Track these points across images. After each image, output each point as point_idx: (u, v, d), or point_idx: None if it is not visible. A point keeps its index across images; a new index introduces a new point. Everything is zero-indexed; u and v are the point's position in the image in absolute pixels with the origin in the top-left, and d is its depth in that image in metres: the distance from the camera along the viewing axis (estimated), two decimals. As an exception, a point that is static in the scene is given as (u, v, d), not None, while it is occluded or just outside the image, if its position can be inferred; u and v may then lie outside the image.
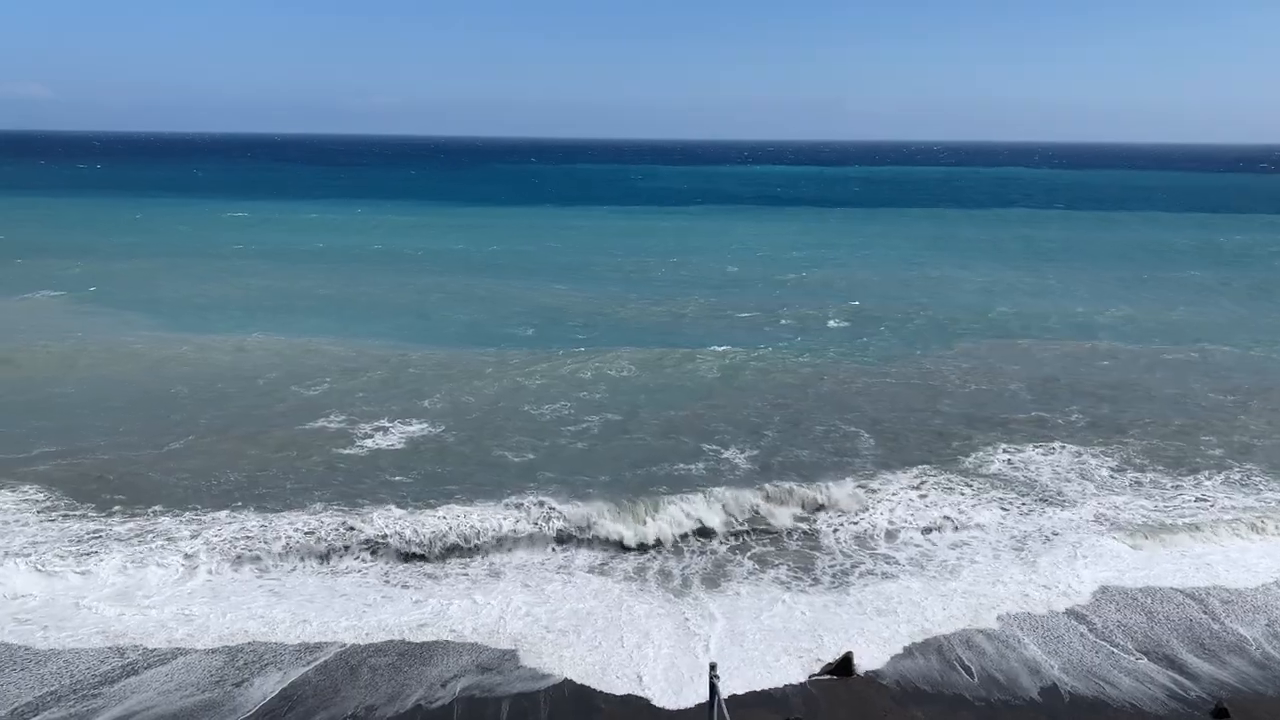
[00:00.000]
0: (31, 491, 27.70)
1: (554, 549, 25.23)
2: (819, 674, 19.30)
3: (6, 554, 23.24)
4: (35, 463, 30.18)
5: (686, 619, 21.72)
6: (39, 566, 22.82)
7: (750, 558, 25.60)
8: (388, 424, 35.46)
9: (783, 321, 54.63)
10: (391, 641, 20.37)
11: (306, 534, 24.81)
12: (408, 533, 24.90)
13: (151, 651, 19.59)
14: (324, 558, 23.66)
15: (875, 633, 21.40)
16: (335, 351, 44.68)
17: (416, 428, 35.14)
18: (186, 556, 23.28)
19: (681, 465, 31.96)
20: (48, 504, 26.94)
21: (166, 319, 52.03)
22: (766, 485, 28.89)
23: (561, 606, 22.21)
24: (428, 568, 23.96)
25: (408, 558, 24.18)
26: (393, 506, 26.96)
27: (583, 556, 24.91)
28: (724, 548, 26.14)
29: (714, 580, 24.06)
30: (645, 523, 25.93)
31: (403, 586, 23.17)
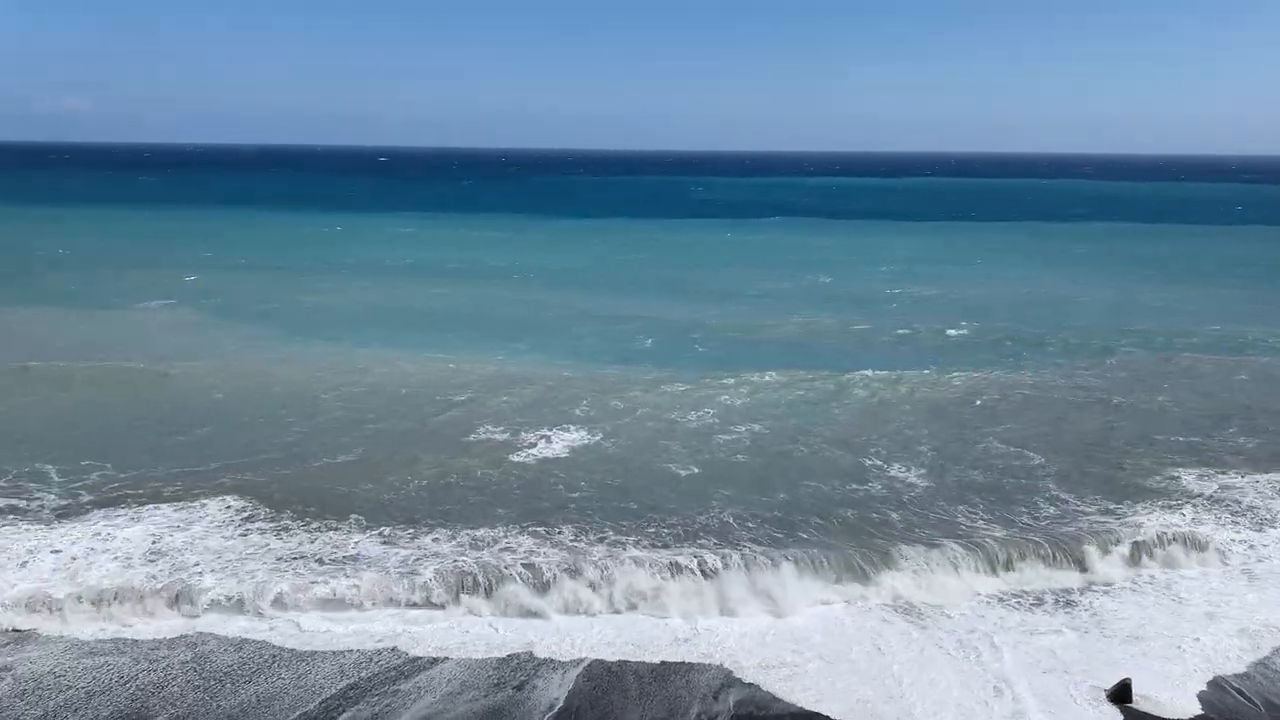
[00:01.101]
0: (231, 500, 28.09)
1: (772, 575, 24.80)
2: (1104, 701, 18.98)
3: (213, 570, 23.59)
4: (217, 476, 30.47)
5: (945, 647, 21.35)
6: (263, 578, 23.12)
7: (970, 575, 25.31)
8: (548, 432, 35.73)
9: (902, 333, 54.21)
10: (645, 662, 20.27)
11: (524, 565, 24.54)
12: (627, 555, 24.74)
13: (419, 658, 19.90)
14: (546, 581, 23.48)
15: (1134, 659, 20.97)
16: (473, 369, 44.63)
17: (575, 435, 35.42)
18: (435, 575, 23.39)
19: (854, 485, 31.62)
20: (246, 516, 27.17)
21: (288, 332, 52.68)
22: (1030, 538, 27.00)
23: (806, 622, 22.06)
24: (649, 588, 23.68)
25: (629, 579, 23.94)
26: (601, 529, 26.87)
27: (813, 587, 24.41)
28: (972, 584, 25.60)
29: (942, 606, 23.74)
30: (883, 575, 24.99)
31: (641, 600, 23.17)
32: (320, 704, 18.15)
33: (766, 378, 43.40)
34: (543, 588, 22.93)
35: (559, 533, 26.81)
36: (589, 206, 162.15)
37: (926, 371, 44.96)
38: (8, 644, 19.93)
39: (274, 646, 20.22)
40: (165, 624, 20.82)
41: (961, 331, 54.89)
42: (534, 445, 34.47)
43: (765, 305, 63.32)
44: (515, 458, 33.19)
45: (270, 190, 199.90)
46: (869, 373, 44.12)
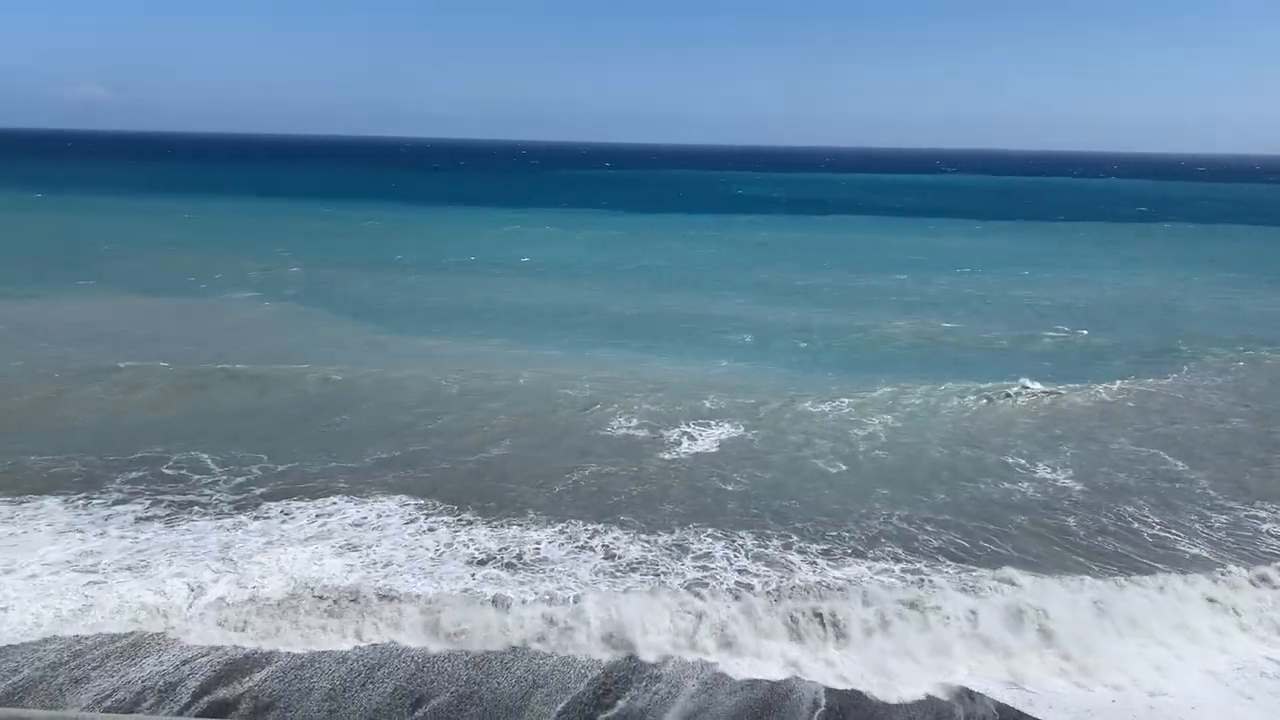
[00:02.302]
0: (405, 498, 28.32)
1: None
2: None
3: (418, 570, 23.76)
4: (376, 472, 30.70)
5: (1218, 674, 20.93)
6: (471, 580, 23.33)
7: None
8: (688, 429, 35.91)
9: (1010, 335, 53.86)
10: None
11: (736, 583, 24.55)
12: (842, 576, 24.53)
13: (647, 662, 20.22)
14: (771, 591, 23.07)
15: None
16: (588, 367, 44.56)
17: (718, 431, 35.65)
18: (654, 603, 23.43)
19: (1006, 484, 31.72)
20: (426, 513, 27.35)
21: (388, 326, 52.63)
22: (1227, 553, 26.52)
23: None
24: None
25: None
26: (784, 534, 26.88)
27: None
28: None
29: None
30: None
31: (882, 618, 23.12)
32: (589, 685, 18.60)
33: (886, 378, 43.46)
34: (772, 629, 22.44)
35: (739, 536, 26.75)
36: (637, 202, 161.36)
37: (1047, 375, 44.55)
38: (256, 634, 20.25)
39: (522, 630, 20.61)
40: (401, 620, 21.04)
41: (1069, 335, 54.61)
42: (679, 442, 34.66)
43: (859, 305, 62.97)
44: (665, 455, 33.37)
45: (302, 182, 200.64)
46: (989, 377, 43.89)
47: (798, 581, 23.51)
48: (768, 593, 22.81)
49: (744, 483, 30.96)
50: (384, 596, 21.95)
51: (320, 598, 21.79)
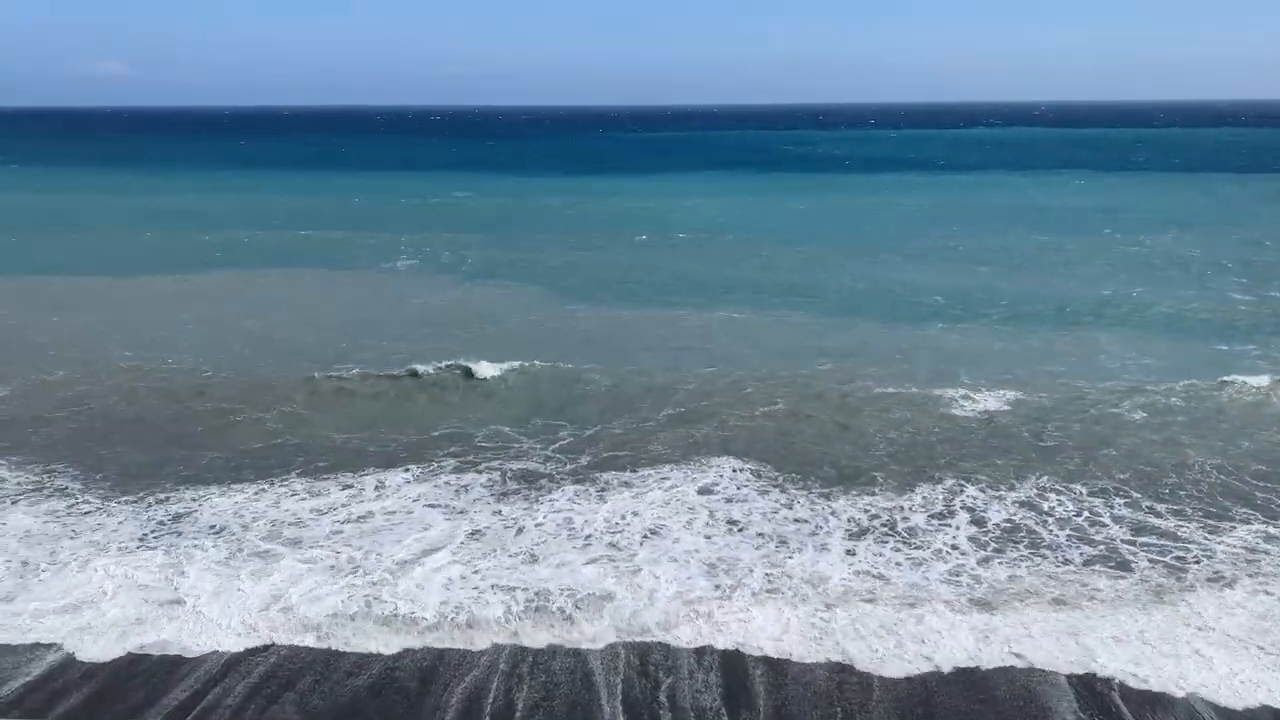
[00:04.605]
0: (733, 461, 29.34)
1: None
2: None
3: (798, 545, 24.34)
4: (684, 437, 31.58)
5: None
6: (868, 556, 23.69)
7: None
8: (950, 390, 36.16)
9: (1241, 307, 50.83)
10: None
11: (1094, 541, 24.53)
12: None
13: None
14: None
15: None
16: (808, 330, 45.79)
17: (989, 390, 35.94)
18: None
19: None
20: (767, 479, 28.15)
21: (575, 295, 53.63)
22: None
23: None
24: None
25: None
26: (1125, 491, 27.23)
27: None
28: None
29: None
30: None
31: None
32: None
33: (1140, 342, 43.49)
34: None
35: (1076, 491, 27.28)
36: (742, 164, 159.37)
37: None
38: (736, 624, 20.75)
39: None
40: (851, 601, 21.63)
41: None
42: (953, 400, 35.12)
43: (1055, 271, 61.24)
44: (957, 413, 33.82)
45: (369, 155, 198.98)
46: (1246, 344, 43.31)
47: (1202, 557, 23.39)
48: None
49: (1052, 437, 31.60)
50: (803, 574, 22.51)
51: (740, 574, 22.42)
